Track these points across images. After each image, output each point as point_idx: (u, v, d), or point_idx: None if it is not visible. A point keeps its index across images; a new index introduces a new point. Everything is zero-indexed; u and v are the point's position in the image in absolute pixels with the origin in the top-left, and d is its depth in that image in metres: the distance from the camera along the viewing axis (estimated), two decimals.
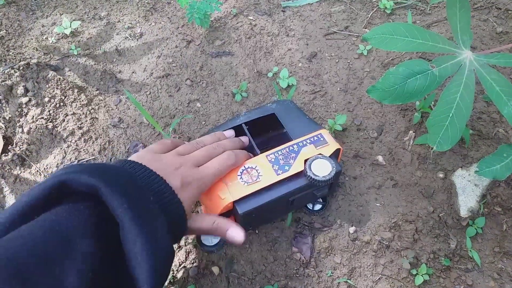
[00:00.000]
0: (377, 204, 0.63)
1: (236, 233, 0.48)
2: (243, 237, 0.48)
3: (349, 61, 0.74)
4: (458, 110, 0.47)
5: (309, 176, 0.53)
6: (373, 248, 0.61)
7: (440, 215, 0.61)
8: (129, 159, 0.47)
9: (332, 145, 0.56)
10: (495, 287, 0.59)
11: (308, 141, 0.57)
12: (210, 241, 0.56)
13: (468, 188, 0.61)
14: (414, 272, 0.59)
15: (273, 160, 0.55)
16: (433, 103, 0.65)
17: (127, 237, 0.35)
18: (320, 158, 0.54)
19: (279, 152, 0.56)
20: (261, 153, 0.57)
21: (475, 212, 0.60)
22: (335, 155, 0.57)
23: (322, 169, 0.53)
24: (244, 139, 0.60)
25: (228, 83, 0.73)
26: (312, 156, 0.55)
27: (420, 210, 0.62)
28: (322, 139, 0.57)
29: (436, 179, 0.63)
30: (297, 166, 0.54)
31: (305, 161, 0.55)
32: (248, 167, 0.55)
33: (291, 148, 0.56)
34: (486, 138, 0.64)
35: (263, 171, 0.55)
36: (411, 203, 0.62)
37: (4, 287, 0.27)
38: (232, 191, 0.54)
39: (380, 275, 0.60)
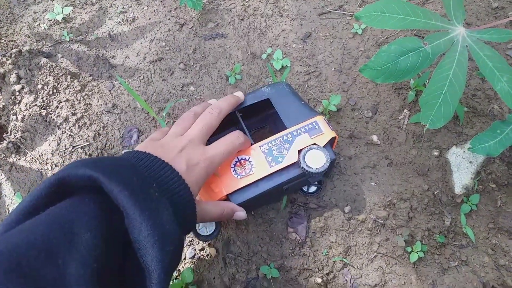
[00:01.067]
0: (372, 183, 0.63)
1: (240, 215, 0.53)
2: (245, 216, 0.54)
3: (343, 40, 0.73)
4: (451, 87, 0.47)
5: (302, 167, 0.53)
6: (368, 226, 0.61)
7: (435, 192, 0.61)
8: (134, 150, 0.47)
9: (327, 134, 0.55)
10: (490, 263, 0.60)
11: (302, 129, 0.56)
12: (206, 231, 0.57)
13: (463, 165, 0.61)
14: (409, 249, 0.60)
15: (266, 151, 0.55)
16: (427, 81, 0.65)
17: (132, 225, 0.35)
18: (314, 148, 0.54)
19: (273, 143, 0.55)
20: (254, 143, 0.56)
21: (469, 189, 0.61)
22: (330, 143, 0.56)
23: (316, 161, 0.53)
24: (239, 94, 0.59)
25: (222, 65, 0.72)
26: (306, 146, 0.54)
27: (415, 188, 0.62)
28: (317, 127, 0.56)
29: (431, 157, 0.63)
30: (290, 157, 0.54)
31: (299, 151, 0.54)
32: (242, 159, 0.55)
33: (285, 137, 0.55)
34: (480, 115, 0.63)
35: (256, 163, 0.54)
36: (406, 182, 0.62)
37: (5, 280, 0.27)
38: (225, 184, 0.54)
39: (375, 253, 0.61)
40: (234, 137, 0.52)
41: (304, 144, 0.55)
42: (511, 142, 0.49)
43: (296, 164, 0.54)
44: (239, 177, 0.54)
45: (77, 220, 0.33)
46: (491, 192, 0.61)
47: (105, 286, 0.33)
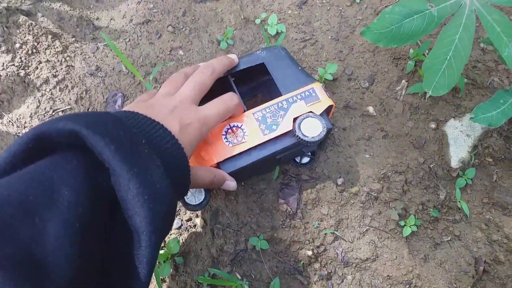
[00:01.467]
0: (366, 156, 0.61)
1: (231, 185, 0.51)
2: (236, 186, 0.52)
3: (341, 8, 0.70)
4: (456, 52, 0.45)
5: (297, 136, 0.50)
6: (361, 199, 0.60)
7: (431, 166, 0.60)
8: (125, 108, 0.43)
9: (324, 102, 0.53)
10: (483, 238, 0.59)
11: (298, 96, 0.53)
12: (195, 200, 0.54)
13: (460, 138, 0.59)
14: (402, 223, 0.59)
15: (260, 118, 0.52)
16: (427, 51, 0.62)
17: (119, 182, 0.31)
18: (311, 117, 0.51)
19: (267, 110, 0.52)
20: (248, 109, 0.53)
21: (466, 163, 0.59)
22: (326, 111, 0.53)
23: (312, 129, 0.51)
24: (233, 56, 0.56)
25: (213, 30, 0.68)
26: (302, 114, 0.52)
27: (410, 161, 0.60)
28: (314, 94, 0.53)
29: (428, 129, 0.61)
30: (285, 125, 0.51)
31: (295, 119, 0.52)
32: (234, 126, 0.52)
33: (280, 105, 0.53)
34: (480, 87, 0.62)
35: (249, 131, 0.51)
36: (401, 154, 0.61)
37: None
38: (216, 152, 0.51)
39: (367, 227, 0.59)
40: (228, 98, 0.49)
41: (299, 112, 0.52)
42: None
43: (291, 133, 0.52)
44: (230, 144, 0.51)
45: (58, 177, 0.30)
46: (487, 167, 0.60)
47: (88, 248, 0.30)
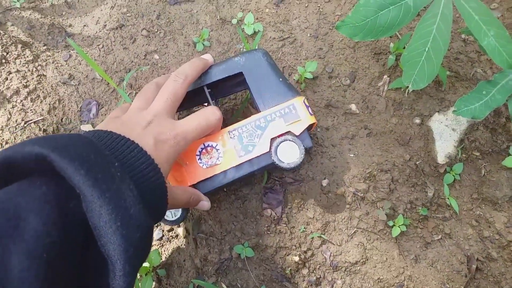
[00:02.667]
0: (351, 155, 0.59)
1: (205, 205, 0.50)
2: (209, 206, 0.51)
3: (319, 5, 0.68)
4: (434, 43, 0.43)
5: (273, 160, 0.48)
6: (347, 200, 0.58)
7: (417, 163, 0.58)
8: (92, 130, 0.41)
9: (304, 121, 0.50)
10: (474, 235, 0.57)
11: (277, 113, 0.50)
12: (172, 215, 0.52)
13: (446, 133, 0.57)
14: (391, 223, 0.57)
15: (236, 137, 0.49)
16: (407, 44, 0.61)
17: (91, 209, 0.29)
18: (288, 140, 0.48)
19: (244, 128, 0.50)
20: (223, 127, 0.50)
21: (452, 158, 0.57)
22: (308, 128, 0.51)
23: (289, 154, 0.48)
24: (207, 56, 0.53)
25: (189, 32, 0.66)
26: (280, 134, 0.49)
27: (396, 158, 0.58)
28: (294, 112, 0.50)
29: (412, 125, 0.59)
30: (262, 147, 0.49)
31: (272, 139, 0.49)
32: (208, 146, 0.49)
33: (257, 123, 0.50)
34: (463, 79, 0.60)
35: (223, 151, 0.49)
36: (387, 152, 0.59)
37: None
38: (189, 173, 0.49)
39: (355, 229, 0.57)
40: (209, 112, 0.47)
41: (277, 132, 0.49)
42: (497, 104, 0.46)
43: (268, 153, 0.49)
44: (204, 166, 0.49)
45: (25, 204, 0.28)
46: (475, 161, 0.58)
47: (57, 280, 0.28)
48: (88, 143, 0.33)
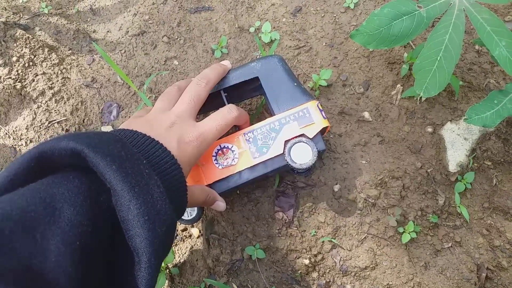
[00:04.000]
0: (363, 162, 0.60)
1: (221, 205, 0.51)
2: (225, 207, 0.51)
3: (335, 15, 0.70)
4: (446, 52, 0.44)
5: (286, 161, 0.50)
6: (358, 206, 0.58)
7: (428, 170, 0.59)
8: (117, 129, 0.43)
9: (318, 124, 0.51)
10: (484, 244, 0.57)
11: (292, 117, 0.51)
12: (188, 215, 0.53)
13: (458, 142, 0.58)
14: (401, 230, 0.57)
15: (251, 139, 0.51)
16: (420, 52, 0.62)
17: (120, 202, 0.31)
18: (302, 142, 0.50)
19: (258, 131, 0.51)
20: (239, 129, 0.52)
21: (464, 167, 0.58)
22: (321, 131, 0.52)
23: (302, 155, 0.50)
24: (226, 62, 0.54)
25: (208, 39, 0.69)
26: (294, 137, 0.51)
27: (407, 166, 0.59)
28: (307, 115, 0.51)
29: (424, 133, 0.60)
30: (276, 149, 0.51)
31: (286, 141, 0.51)
32: (224, 147, 0.51)
33: (272, 126, 0.51)
34: (476, 89, 0.61)
35: (239, 153, 0.51)
36: (398, 159, 0.60)
37: None
38: (206, 173, 0.51)
39: (366, 234, 0.58)
40: (226, 112, 0.48)
41: (291, 135, 0.51)
42: (509, 113, 0.47)
43: (282, 155, 0.51)
44: (220, 167, 0.51)
45: (60, 195, 0.29)
46: (487, 170, 0.59)
47: (88, 267, 0.29)
48: (118, 141, 0.35)
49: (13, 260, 0.25)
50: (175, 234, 0.60)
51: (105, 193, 0.32)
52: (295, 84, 0.53)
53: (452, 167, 0.58)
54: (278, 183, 0.60)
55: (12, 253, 0.25)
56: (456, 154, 0.58)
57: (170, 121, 0.44)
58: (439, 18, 0.46)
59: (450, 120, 0.59)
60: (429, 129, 0.60)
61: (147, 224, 0.31)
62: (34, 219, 0.27)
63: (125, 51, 0.69)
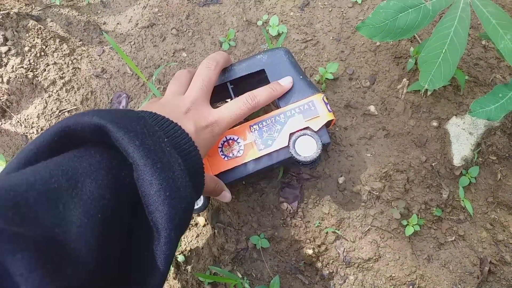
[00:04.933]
0: (368, 155, 0.60)
1: (227, 196, 0.51)
2: (230, 198, 0.52)
3: (342, 10, 0.70)
4: (451, 45, 0.45)
5: (291, 153, 0.50)
6: (362, 198, 0.59)
7: (433, 164, 0.59)
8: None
9: (323, 117, 0.51)
10: (488, 238, 0.57)
11: (297, 110, 0.52)
12: (195, 204, 0.54)
13: (463, 136, 0.58)
14: (404, 223, 0.58)
15: (256, 131, 0.52)
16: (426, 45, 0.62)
17: (142, 178, 0.31)
18: (307, 135, 0.50)
19: (264, 123, 0.52)
20: (245, 121, 0.53)
21: (469, 161, 0.58)
22: (327, 124, 0.52)
23: (307, 148, 0.50)
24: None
25: (216, 32, 0.70)
26: (299, 129, 0.51)
27: (412, 159, 0.60)
28: (313, 108, 0.51)
29: (430, 127, 0.60)
30: (281, 141, 0.51)
31: (291, 134, 0.51)
32: (230, 139, 0.52)
33: (277, 118, 0.52)
34: (482, 84, 0.61)
35: (244, 145, 0.51)
36: (403, 153, 0.60)
37: (1, 219, 0.24)
38: (212, 165, 0.51)
39: (369, 226, 0.59)
40: (241, 102, 0.48)
41: (296, 127, 0.51)
42: None
43: (287, 147, 0.51)
44: (226, 158, 0.51)
45: (82, 169, 0.30)
46: (491, 165, 0.59)
47: (108, 240, 0.30)
48: (140, 118, 0.35)
49: (37, 229, 0.26)
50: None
51: (126, 169, 0.32)
52: (301, 77, 0.54)
53: (457, 161, 0.58)
54: (283, 175, 0.60)
55: (36, 222, 0.26)
56: (461, 148, 0.58)
57: (185, 107, 0.44)
58: (444, 11, 0.46)
59: (456, 115, 0.60)
60: (434, 123, 0.60)
61: (168, 200, 0.31)
62: (57, 190, 0.28)
63: (134, 43, 0.70)
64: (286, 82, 0.52)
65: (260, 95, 0.49)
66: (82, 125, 0.32)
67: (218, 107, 0.49)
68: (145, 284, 0.33)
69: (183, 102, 0.45)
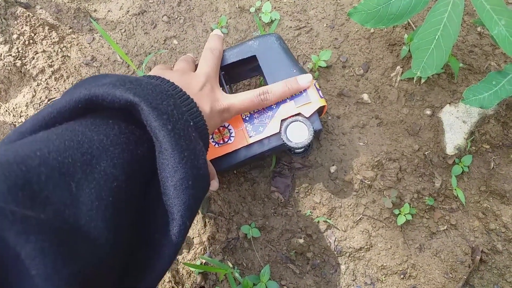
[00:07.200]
0: (360, 143, 0.60)
1: (214, 184, 0.49)
2: (217, 187, 0.50)
3: None
4: (445, 32, 0.44)
5: (282, 140, 0.50)
6: (354, 187, 0.59)
7: (426, 153, 0.58)
8: (150, 74, 0.41)
9: (315, 103, 0.51)
10: (480, 227, 0.57)
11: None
12: None
13: (456, 125, 0.58)
14: (396, 212, 0.57)
15: (247, 118, 0.51)
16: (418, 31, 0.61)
17: (167, 163, 0.31)
18: (298, 121, 0.50)
19: (255, 110, 0.51)
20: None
21: (462, 150, 0.58)
22: (318, 111, 0.52)
23: (298, 134, 0.50)
24: (216, 31, 0.54)
25: (208, 19, 0.68)
26: (290, 116, 0.50)
27: (405, 148, 0.59)
28: (304, 94, 0.51)
29: (423, 116, 0.60)
30: (272, 128, 0.50)
31: (283, 120, 0.50)
32: (221, 125, 0.51)
33: None
34: (477, 72, 0.60)
35: (235, 131, 0.51)
36: (396, 141, 0.59)
37: (9, 197, 0.22)
38: None
39: (361, 215, 0.58)
40: (254, 95, 0.48)
41: (288, 113, 0.50)
42: (507, 94, 0.46)
43: (278, 134, 0.51)
44: (216, 145, 0.51)
45: (99, 142, 0.29)
46: (484, 154, 0.58)
47: (119, 224, 0.29)
48: (170, 97, 0.34)
49: (48, 211, 0.24)
50: None
51: (142, 146, 0.31)
52: (293, 63, 0.53)
53: (450, 150, 0.58)
54: (275, 164, 0.60)
55: (46, 202, 0.24)
56: (454, 137, 0.58)
57: (201, 82, 0.44)
58: None
59: (449, 103, 0.59)
60: (428, 112, 0.59)
61: (189, 189, 0.31)
62: (71, 166, 0.26)
63: (125, 30, 0.69)
64: (304, 81, 0.50)
65: (273, 91, 0.49)
66: (112, 98, 0.30)
67: None
68: (155, 267, 0.32)
69: (199, 78, 0.44)
